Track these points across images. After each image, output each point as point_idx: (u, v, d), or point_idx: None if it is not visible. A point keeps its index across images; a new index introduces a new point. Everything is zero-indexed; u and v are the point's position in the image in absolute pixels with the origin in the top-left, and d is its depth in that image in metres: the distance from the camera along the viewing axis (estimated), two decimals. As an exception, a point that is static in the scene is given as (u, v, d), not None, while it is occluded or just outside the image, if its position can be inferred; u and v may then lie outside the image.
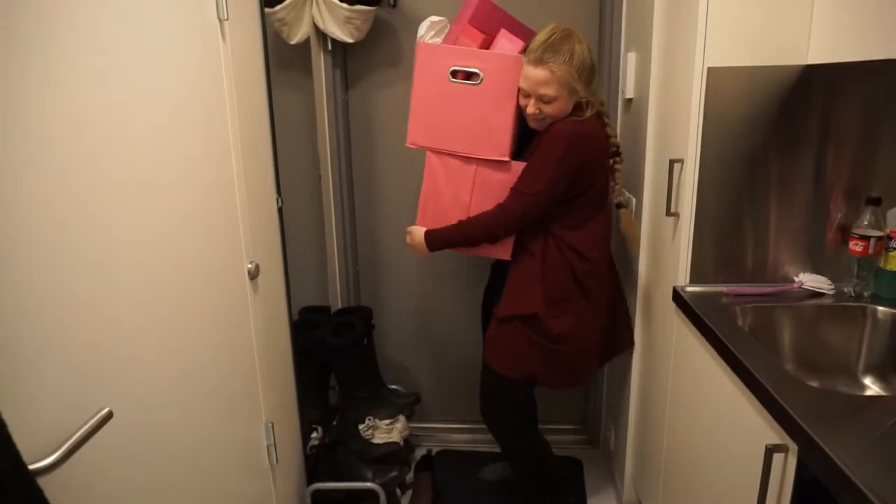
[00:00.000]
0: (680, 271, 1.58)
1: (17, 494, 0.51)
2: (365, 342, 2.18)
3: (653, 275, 1.82)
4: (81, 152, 0.88)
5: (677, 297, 1.55)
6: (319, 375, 2.24)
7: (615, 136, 1.75)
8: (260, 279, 1.57)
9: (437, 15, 1.78)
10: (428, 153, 1.77)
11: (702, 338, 1.40)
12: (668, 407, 1.66)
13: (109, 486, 0.93)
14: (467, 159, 1.74)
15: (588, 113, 1.64)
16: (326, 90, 2.15)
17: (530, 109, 1.62)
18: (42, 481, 0.68)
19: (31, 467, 0.66)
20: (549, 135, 1.63)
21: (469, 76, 1.70)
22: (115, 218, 0.97)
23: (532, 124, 1.68)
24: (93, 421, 0.81)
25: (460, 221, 1.75)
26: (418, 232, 1.79)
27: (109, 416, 0.83)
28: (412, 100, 1.77)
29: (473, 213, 1.75)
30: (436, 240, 1.78)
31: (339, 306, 2.32)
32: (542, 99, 1.60)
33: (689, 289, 1.56)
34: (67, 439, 0.77)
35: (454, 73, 1.70)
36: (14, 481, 0.52)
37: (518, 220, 1.69)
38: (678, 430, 1.60)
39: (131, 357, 1.01)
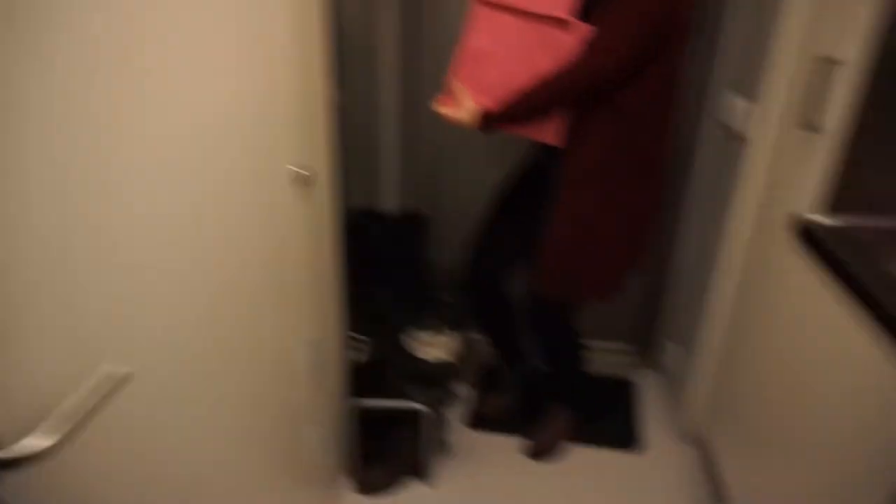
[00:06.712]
0: (808, 197, 1.31)
1: None
2: (418, 251, 2.00)
3: (764, 197, 1.55)
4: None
5: (803, 228, 1.30)
6: (368, 286, 2.08)
7: None
8: (313, 183, 1.36)
9: None
10: (476, 3, 1.43)
11: (832, 278, 1.16)
12: (772, 343, 1.45)
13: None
14: (523, 15, 1.40)
15: None
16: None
17: None
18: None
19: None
20: None
21: None
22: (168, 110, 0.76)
23: None
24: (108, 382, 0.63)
25: (522, 89, 1.44)
26: (469, 106, 1.48)
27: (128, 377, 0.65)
28: None
29: (520, 84, 1.44)
30: (495, 112, 1.47)
31: (393, 212, 2.11)
32: None
33: (820, 220, 1.30)
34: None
35: None
36: None
37: (592, 80, 1.39)
38: (780, 372, 1.40)
39: (175, 260, 0.84)
